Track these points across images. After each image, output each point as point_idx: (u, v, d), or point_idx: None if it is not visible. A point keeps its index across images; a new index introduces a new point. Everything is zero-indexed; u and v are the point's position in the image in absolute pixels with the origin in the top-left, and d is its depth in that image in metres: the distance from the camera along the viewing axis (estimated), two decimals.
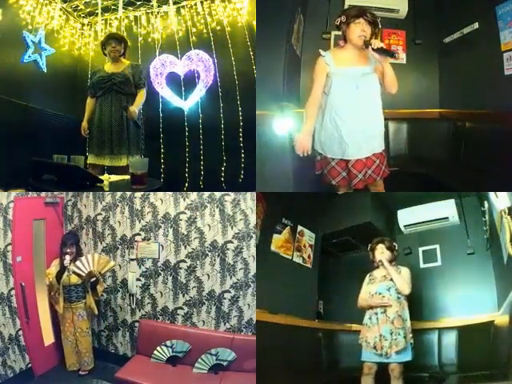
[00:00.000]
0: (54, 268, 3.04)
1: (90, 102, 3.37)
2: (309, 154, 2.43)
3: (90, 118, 3.34)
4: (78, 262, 3.00)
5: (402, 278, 2.51)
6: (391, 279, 2.53)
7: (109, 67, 3.31)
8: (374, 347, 2.42)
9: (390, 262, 2.61)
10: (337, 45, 2.49)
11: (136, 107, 3.22)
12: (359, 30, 2.27)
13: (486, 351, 2.43)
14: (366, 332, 2.50)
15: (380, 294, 2.52)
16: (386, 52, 2.24)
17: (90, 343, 3.10)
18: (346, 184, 2.51)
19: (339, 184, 2.50)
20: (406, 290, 2.49)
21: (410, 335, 2.43)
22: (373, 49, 2.22)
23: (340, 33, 2.41)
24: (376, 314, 2.49)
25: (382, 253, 2.62)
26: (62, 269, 2.99)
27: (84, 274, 2.98)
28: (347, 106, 2.35)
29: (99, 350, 3.30)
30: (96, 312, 3.10)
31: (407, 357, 2.38)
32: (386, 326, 2.42)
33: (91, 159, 3.29)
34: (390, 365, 2.38)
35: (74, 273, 2.98)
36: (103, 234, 3.36)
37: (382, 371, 2.42)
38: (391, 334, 2.39)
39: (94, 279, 3.04)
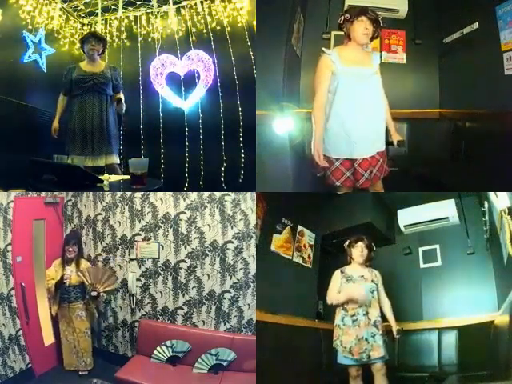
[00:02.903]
0: (53, 269, 3.05)
1: (62, 100, 3.31)
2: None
3: (67, 118, 3.26)
4: (90, 269, 3.01)
5: (391, 311, 2.51)
6: (372, 280, 2.52)
7: (86, 66, 3.23)
8: (350, 351, 2.35)
9: (366, 261, 2.58)
10: (341, 43, 2.48)
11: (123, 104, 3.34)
12: (363, 27, 2.29)
13: (485, 351, 2.42)
14: (342, 335, 2.42)
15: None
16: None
17: (89, 344, 3.09)
18: (351, 185, 2.46)
19: (343, 185, 2.45)
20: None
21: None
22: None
23: (341, 33, 2.42)
24: (354, 315, 2.42)
25: (361, 251, 2.57)
26: (62, 279, 2.99)
27: (87, 283, 2.97)
28: (356, 106, 2.33)
29: (99, 350, 3.29)
30: (96, 315, 3.16)
31: (386, 356, 2.38)
32: (367, 330, 2.37)
33: (75, 161, 3.20)
34: (375, 365, 2.35)
35: (81, 272, 2.99)
36: (103, 234, 3.35)
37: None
38: (373, 336, 2.36)
39: (95, 293, 2.98)
